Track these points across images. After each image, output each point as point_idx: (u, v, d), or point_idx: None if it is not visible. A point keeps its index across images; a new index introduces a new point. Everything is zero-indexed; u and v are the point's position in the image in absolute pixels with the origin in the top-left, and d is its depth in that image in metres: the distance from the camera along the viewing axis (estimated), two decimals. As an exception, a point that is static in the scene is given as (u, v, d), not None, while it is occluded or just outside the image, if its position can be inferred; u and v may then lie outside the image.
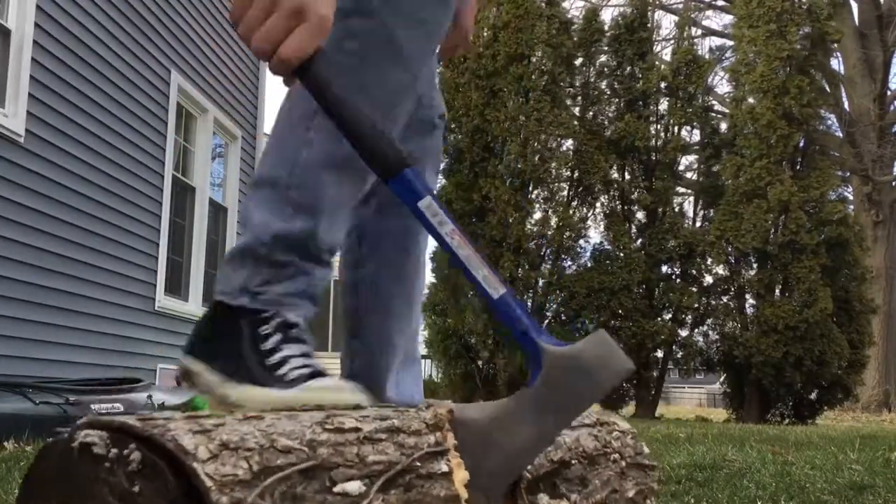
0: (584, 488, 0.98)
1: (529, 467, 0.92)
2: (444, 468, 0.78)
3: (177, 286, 8.71)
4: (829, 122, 19.07)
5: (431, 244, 1.45)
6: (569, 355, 0.96)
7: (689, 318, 16.05)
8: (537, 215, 15.67)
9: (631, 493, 1.07)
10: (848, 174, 19.83)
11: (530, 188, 15.62)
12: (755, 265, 15.49)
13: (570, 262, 16.00)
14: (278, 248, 1.27)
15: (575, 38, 15.97)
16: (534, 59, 15.55)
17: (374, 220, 1.58)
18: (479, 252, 1.04)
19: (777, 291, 15.03)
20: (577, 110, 16.41)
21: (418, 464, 0.75)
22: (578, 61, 16.33)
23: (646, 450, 1.14)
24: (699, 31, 22.88)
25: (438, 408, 0.89)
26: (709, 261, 15.83)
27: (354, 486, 0.66)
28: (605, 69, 16.62)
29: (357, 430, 0.73)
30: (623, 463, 1.08)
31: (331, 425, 0.71)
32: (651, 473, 1.13)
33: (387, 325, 1.58)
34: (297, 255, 1.28)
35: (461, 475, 0.80)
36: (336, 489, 0.65)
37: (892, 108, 21.78)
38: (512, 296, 1.03)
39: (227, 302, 1.28)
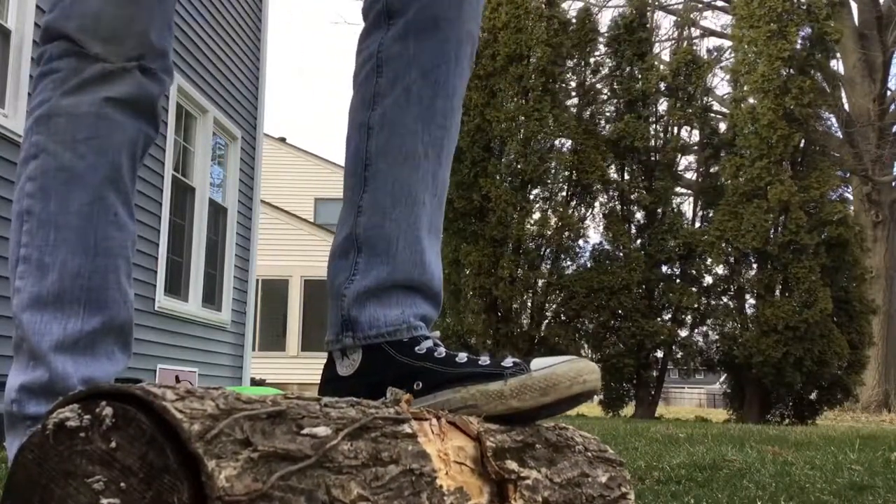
0: (553, 465, 0.98)
1: (492, 441, 0.91)
2: (409, 430, 0.80)
3: (176, 286, 8.70)
4: (829, 122, 19.08)
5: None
6: None
7: (688, 319, 16.06)
8: (536, 215, 15.69)
9: (603, 479, 1.07)
10: (848, 174, 19.82)
11: (530, 188, 15.63)
12: (755, 265, 15.50)
13: (569, 262, 16.01)
14: None
15: (569, 40, 15.99)
16: (533, 60, 15.55)
17: (398, 45, 1.30)
18: None
19: (777, 292, 15.03)
20: (575, 110, 16.42)
21: (381, 422, 0.77)
22: (575, 61, 16.36)
23: (610, 449, 1.14)
24: (698, 32, 22.88)
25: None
26: (708, 261, 15.83)
27: (322, 430, 0.69)
28: (604, 69, 16.65)
29: (317, 399, 0.76)
30: (589, 454, 1.08)
31: (292, 394, 0.75)
32: (620, 468, 1.12)
33: (403, 173, 1.26)
34: None
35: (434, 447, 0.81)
36: (304, 432, 0.68)
37: (891, 108, 21.78)
38: None
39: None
